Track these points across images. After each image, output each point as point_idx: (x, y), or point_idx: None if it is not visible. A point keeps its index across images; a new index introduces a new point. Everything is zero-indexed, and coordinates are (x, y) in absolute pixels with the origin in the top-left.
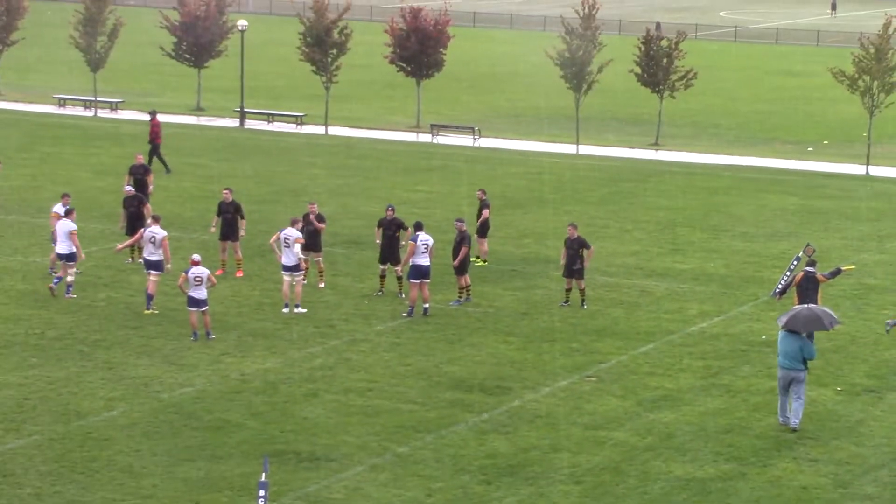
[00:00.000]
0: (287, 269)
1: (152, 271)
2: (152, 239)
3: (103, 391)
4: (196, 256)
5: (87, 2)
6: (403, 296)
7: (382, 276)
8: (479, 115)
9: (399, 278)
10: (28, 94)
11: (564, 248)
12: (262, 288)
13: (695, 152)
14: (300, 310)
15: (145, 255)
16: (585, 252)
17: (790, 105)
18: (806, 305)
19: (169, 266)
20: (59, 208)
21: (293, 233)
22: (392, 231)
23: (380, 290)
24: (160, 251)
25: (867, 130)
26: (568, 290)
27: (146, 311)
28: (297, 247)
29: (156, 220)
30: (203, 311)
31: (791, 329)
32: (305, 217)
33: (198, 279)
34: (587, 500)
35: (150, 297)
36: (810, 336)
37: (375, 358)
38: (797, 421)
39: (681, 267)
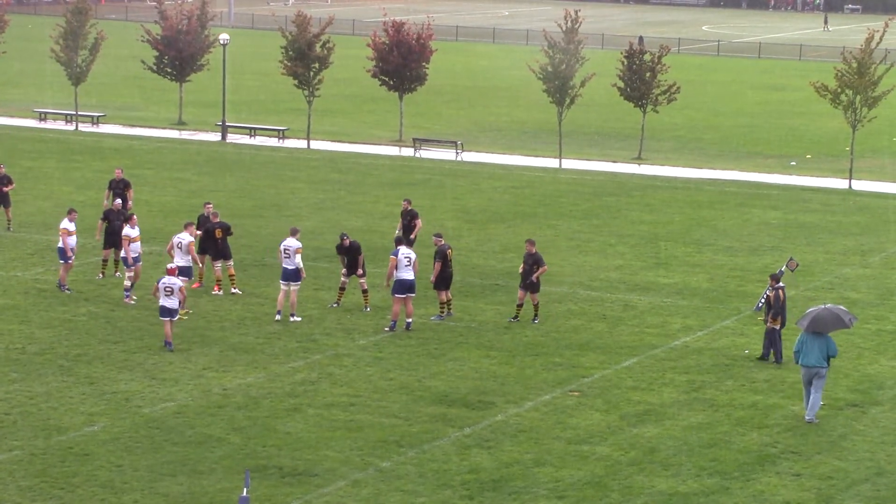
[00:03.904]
0: (285, 278)
1: (181, 277)
2: (179, 244)
3: (84, 406)
4: (172, 265)
5: (69, 15)
6: (369, 309)
7: (342, 289)
8: (461, 129)
9: (364, 292)
10: (8, 108)
11: (523, 262)
12: (244, 302)
13: (678, 166)
14: (295, 318)
15: (175, 261)
16: (538, 268)
17: (773, 119)
18: (823, 306)
19: (198, 271)
20: (66, 224)
21: (293, 243)
22: (352, 257)
23: (335, 303)
24: (188, 256)
25: (850, 144)
26: (519, 306)
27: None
28: (298, 257)
29: (187, 227)
30: (168, 321)
31: (816, 331)
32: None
33: (168, 289)
34: None
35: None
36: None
37: (358, 372)
38: (813, 414)
39: (664, 281)
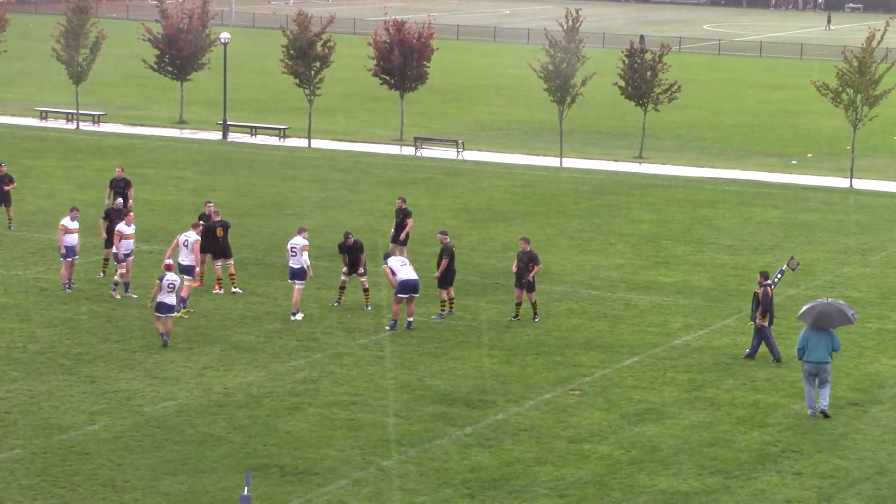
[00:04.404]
0: (291, 277)
1: (185, 276)
2: (185, 243)
3: (85, 405)
4: (170, 261)
5: (70, 14)
6: (370, 307)
7: (342, 288)
8: (462, 128)
9: (365, 290)
10: (10, 107)
11: (517, 261)
12: (246, 301)
13: (679, 165)
14: (297, 316)
15: (180, 259)
16: (534, 266)
17: (774, 118)
18: (824, 301)
19: (198, 269)
20: (66, 221)
21: (300, 241)
22: (354, 256)
23: (336, 302)
24: (192, 255)
25: (851, 143)
26: (518, 305)
27: (176, 315)
28: (305, 255)
29: (194, 226)
30: (168, 317)
31: (822, 326)
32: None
33: (171, 285)
34: None
35: (182, 301)
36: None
37: (359, 371)
38: (826, 403)
39: (665, 280)
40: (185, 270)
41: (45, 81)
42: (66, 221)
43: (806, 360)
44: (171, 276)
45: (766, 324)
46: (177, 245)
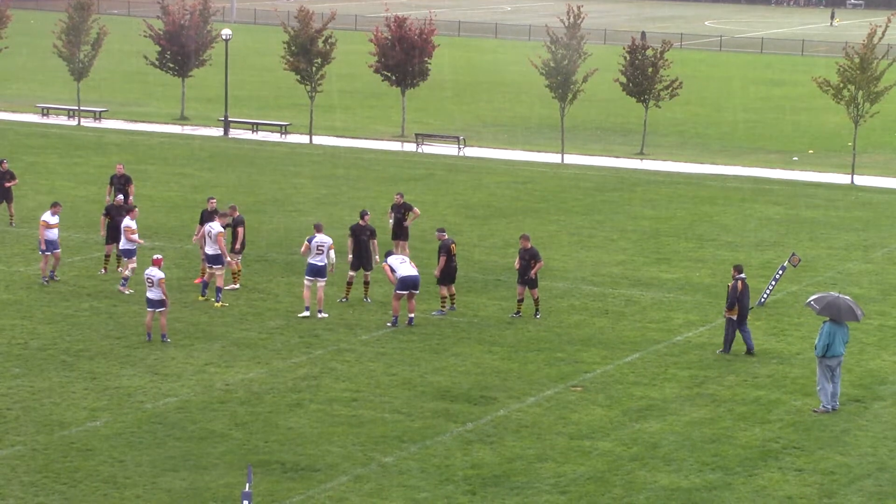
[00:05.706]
0: (313, 274)
1: (213, 265)
2: (209, 233)
3: (86, 401)
4: (155, 256)
5: (71, 11)
6: (369, 300)
7: (349, 283)
8: (464, 125)
9: (367, 284)
10: (11, 104)
11: (518, 258)
12: (247, 298)
13: (680, 161)
14: (323, 314)
15: (206, 249)
16: (535, 264)
17: (775, 114)
18: (835, 295)
19: (228, 259)
20: (47, 216)
21: (327, 239)
22: (366, 237)
23: (344, 298)
24: (216, 245)
25: (852, 140)
26: (520, 301)
27: (217, 304)
28: (332, 252)
29: (221, 216)
30: (160, 312)
31: (846, 320)
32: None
33: (149, 280)
34: None
35: (218, 290)
36: None
37: (360, 368)
38: (837, 401)
39: (666, 276)
40: (212, 260)
41: (47, 78)
42: (47, 216)
43: (830, 355)
44: (148, 271)
45: (733, 317)
46: (202, 234)
